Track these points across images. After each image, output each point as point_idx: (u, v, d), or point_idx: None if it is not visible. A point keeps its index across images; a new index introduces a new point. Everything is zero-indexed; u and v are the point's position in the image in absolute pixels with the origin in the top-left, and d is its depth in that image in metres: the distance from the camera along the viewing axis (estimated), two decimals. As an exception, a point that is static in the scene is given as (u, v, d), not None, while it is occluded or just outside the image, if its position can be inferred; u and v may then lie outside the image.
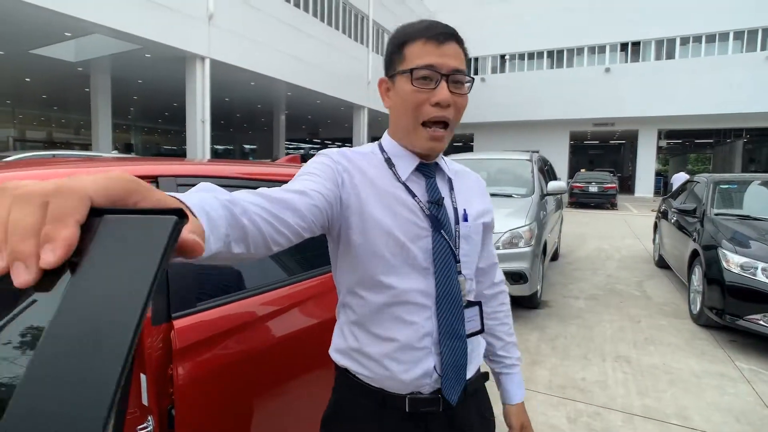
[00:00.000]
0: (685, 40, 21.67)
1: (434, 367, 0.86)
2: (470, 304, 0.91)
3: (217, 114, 13.65)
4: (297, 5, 15.82)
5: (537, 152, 6.33)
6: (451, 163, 0.99)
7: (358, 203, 0.83)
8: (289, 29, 15.31)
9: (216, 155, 32.38)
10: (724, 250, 3.80)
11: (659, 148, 25.08)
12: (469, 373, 0.91)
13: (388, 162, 0.89)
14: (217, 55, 12.55)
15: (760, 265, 3.54)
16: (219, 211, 0.54)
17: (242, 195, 0.62)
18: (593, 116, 22.62)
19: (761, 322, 3.45)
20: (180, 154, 30.30)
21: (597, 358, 3.34)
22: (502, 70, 25.56)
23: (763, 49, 20.09)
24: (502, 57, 25.39)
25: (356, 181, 0.85)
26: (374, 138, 27.69)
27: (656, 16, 21.20)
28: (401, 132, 0.88)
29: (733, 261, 3.68)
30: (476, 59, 26.00)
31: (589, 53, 23.25)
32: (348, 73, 18.72)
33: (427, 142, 0.85)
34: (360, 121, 20.55)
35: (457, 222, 0.90)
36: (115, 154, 12.66)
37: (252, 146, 37.29)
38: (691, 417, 2.57)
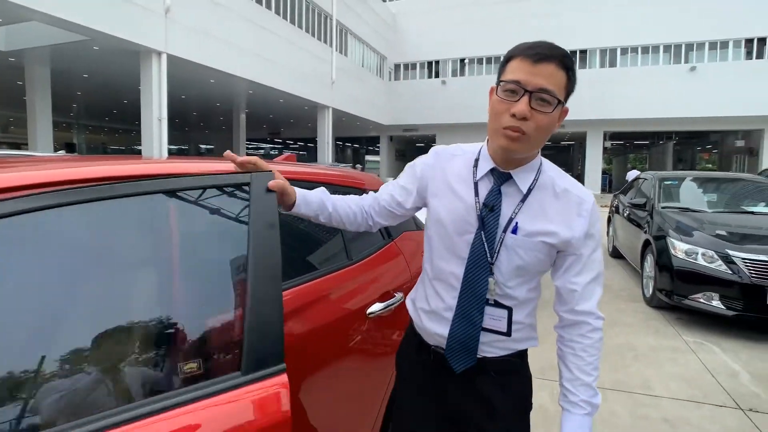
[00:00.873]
0: (624, 51, 23.20)
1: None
2: (498, 304, 1.03)
3: (172, 112, 13.22)
4: (260, 2, 15.64)
5: None
6: (553, 179, 1.03)
7: (426, 194, 1.14)
8: (251, 26, 15.11)
9: (169, 155, 31.22)
10: (671, 239, 4.26)
11: (604, 149, 26.64)
12: (489, 355, 1.06)
13: (476, 162, 1.07)
14: (174, 50, 12.17)
15: (700, 250, 4.01)
16: (315, 198, 1.15)
17: (339, 197, 1.20)
18: (545, 119, 23.64)
19: (702, 300, 3.93)
20: (129, 154, 28.94)
21: (566, 339, 3.67)
22: (462, 74, 26.28)
23: (687, 61, 21.91)
24: (462, 60, 26.10)
25: (433, 174, 1.12)
26: (338, 139, 27.72)
27: (601, 27, 22.53)
28: (490, 133, 1.02)
29: (679, 248, 4.14)
30: (437, 62, 26.62)
31: (542, 59, 24.39)
32: (312, 72, 18.67)
33: (501, 139, 0.96)
34: (324, 122, 20.52)
35: (504, 231, 1.00)
36: (62, 154, 12.02)
37: (209, 146, 36.22)
38: (653, 386, 2.92)
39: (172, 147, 37.54)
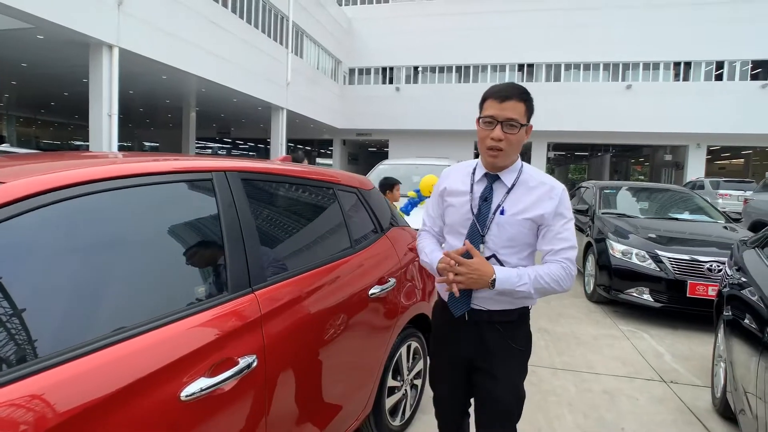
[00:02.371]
0: (568, 66, 24.76)
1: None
2: (487, 258, 1.42)
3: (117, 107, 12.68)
4: (216, 0, 15.38)
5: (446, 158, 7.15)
6: (531, 177, 1.44)
7: (444, 198, 1.56)
8: (207, 23, 14.83)
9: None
10: (610, 241, 4.80)
11: (548, 159, 28.21)
12: (491, 307, 1.46)
13: (474, 170, 1.50)
14: (127, 44, 11.74)
15: (635, 251, 4.56)
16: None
17: (434, 244, 1.61)
18: (494, 128, 24.70)
19: (635, 294, 4.47)
20: (65, 149, 27.07)
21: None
22: (416, 81, 26.90)
23: (624, 79, 23.77)
24: (416, 68, 26.73)
25: (444, 184, 1.57)
26: (290, 140, 27.46)
27: (548, 44, 23.90)
28: (480, 151, 1.48)
29: (617, 249, 4.68)
30: (391, 68, 27.06)
31: (492, 71, 25.47)
32: (267, 73, 18.51)
33: (487, 157, 1.43)
34: (278, 122, 20.37)
35: (494, 213, 1.43)
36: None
37: (153, 143, 34.71)
38: (595, 366, 3.35)
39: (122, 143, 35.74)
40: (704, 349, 3.69)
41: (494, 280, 1.33)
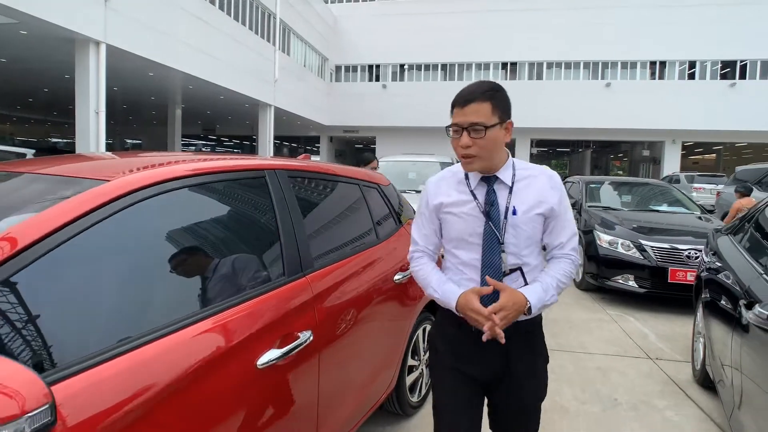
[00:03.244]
0: (550, 65, 25.27)
1: None
2: (512, 270, 1.33)
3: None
4: (203, -3, 15.31)
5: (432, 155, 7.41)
6: (524, 170, 1.35)
7: (440, 212, 1.40)
8: (195, 20, 14.77)
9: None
10: (597, 232, 5.11)
11: (531, 155, 28.76)
12: (519, 319, 1.29)
13: (466, 177, 1.37)
14: (114, 40, 11.67)
15: (620, 241, 4.87)
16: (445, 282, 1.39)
17: (433, 268, 1.44)
18: (479, 125, 25.10)
19: (620, 281, 4.79)
20: (44, 148, 26.47)
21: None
22: (402, 78, 27.09)
23: (603, 78, 24.39)
24: (402, 66, 26.92)
25: (437, 200, 1.39)
26: (277, 137, 27.38)
27: (530, 43, 24.33)
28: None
29: (603, 239, 4.99)
30: (378, 66, 27.20)
31: (477, 69, 25.84)
32: (254, 70, 18.50)
33: (464, 167, 1.34)
34: (266, 120, 20.36)
35: (506, 216, 1.31)
36: None
37: (136, 140, 34.19)
38: (587, 347, 3.63)
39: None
40: (684, 329, 4.01)
41: (529, 307, 1.26)
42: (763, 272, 2.18)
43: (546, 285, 1.31)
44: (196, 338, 1.15)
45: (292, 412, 1.44)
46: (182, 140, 31.60)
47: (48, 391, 0.67)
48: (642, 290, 4.67)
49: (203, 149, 39.04)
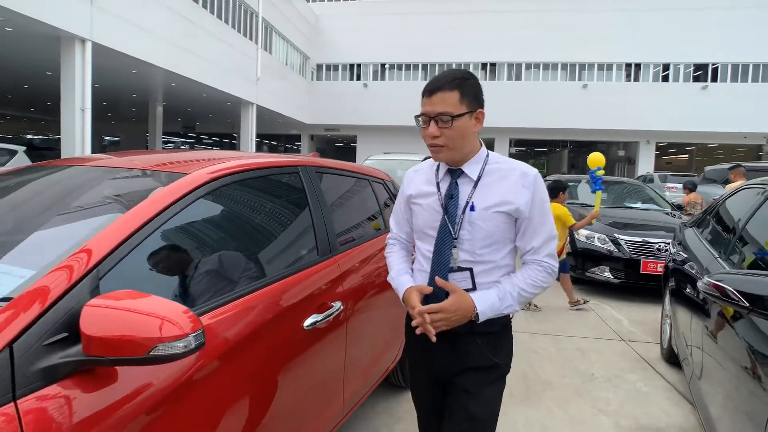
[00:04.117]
0: (528, 66, 25.90)
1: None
2: (461, 269, 1.26)
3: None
4: (187, -5, 15.27)
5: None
6: (497, 165, 1.29)
7: (410, 202, 1.40)
8: (179, 18, 14.74)
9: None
10: (576, 227, 5.46)
11: (510, 155, 29.43)
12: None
13: (437, 169, 1.35)
14: (100, 38, 11.61)
15: (596, 235, 5.25)
16: (408, 274, 1.41)
17: (401, 258, 1.46)
18: (460, 125, 25.57)
19: (597, 273, 5.16)
20: (23, 144, 25.81)
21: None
22: (383, 78, 27.35)
23: (580, 79, 25.14)
24: (383, 65, 27.18)
25: (408, 191, 1.40)
26: (258, 135, 27.30)
27: (509, 44, 24.90)
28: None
29: (581, 234, 5.35)
30: (359, 65, 27.40)
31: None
32: (237, 68, 18.49)
33: (432, 156, 1.32)
34: (248, 118, 20.36)
35: (464, 211, 1.26)
36: None
37: (114, 138, 33.57)
38: (567, 331, 3.97)
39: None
40: (654, 315, 4.39)
41: (477, 314, 1.21)
42: (718, 256, 2.52)
43: (503, 293, 1.25)
44: (267, 297, 1.43)
45: (327, 368, 1.71)
46: (163, 137, 31.20)
47: (199, 321, 0.91)
48: (616, 281, 5.05)
49: (181, 147, 38.58)
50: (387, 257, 1.49)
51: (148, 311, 0.87)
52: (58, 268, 0.96)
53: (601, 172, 4.50)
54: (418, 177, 1.40)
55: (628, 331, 4.02)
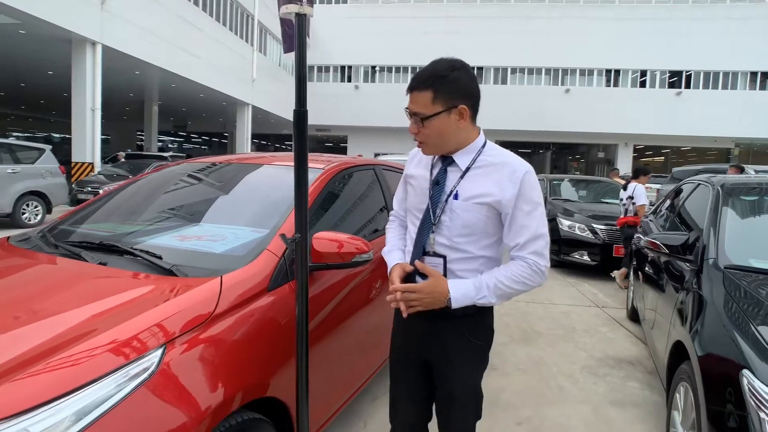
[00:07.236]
0: (514, 70, 26.94)
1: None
2: (436, 255, 1.30)
3: (67, 100, 12.54)
4: (189, -1, 15.83)
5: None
6: (491, 157, 1.29)
7: (406, 179, 1.48)
8: (179, 21, 15.30)
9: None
10: (560, 218, 6.38)
11: (496, 155, 30.40)
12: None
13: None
14: (110, 41, 12.16)
15: (577, 225, 6.16)
16: (399, 252, 1.49)
17: (396, 235, 1.54)
18: (448, 126, 26.46)
19: (576, 257, 6.08)
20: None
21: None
22: (373, 80, 28.09)
23: (563, 84, 26.30)
24: (373, 68, 27.93)
25: (407, 170, 1.47)
26: (254, 135, 27.76)
27: (496, 49, 25.89)
28: None
29: (564, 224, 6.26)
30: (350, 67, 28.09)
31: (445, 72, 27.17)
32: (233, 69, 19.08)
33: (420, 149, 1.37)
34: (244, 118, 20.95)
35: (447, 199, 1.28)
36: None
37: (104, 136, 33.53)
38: (553, 300, 4.86)
39: (56, 135, 34.21)
40: (623, 291, 5.30)
41: (449, 299, 1.23)
42: (660, 230, 3.41)
43: (480, 283, 1.25)
44: (379, 243, 2.18)
45: (373, 326, 2.31)
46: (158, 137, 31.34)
47: (371, 245, 1.72)
48: (593, 263, 5.97)
49: (170, 146, 38.70)
50: (386, 233, 1.55)
51: (347, 240, 1.67)
52: (287, 222, 1.74)
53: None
54: (418, 157, 1.43)
55: (602, 301, 4.94)
